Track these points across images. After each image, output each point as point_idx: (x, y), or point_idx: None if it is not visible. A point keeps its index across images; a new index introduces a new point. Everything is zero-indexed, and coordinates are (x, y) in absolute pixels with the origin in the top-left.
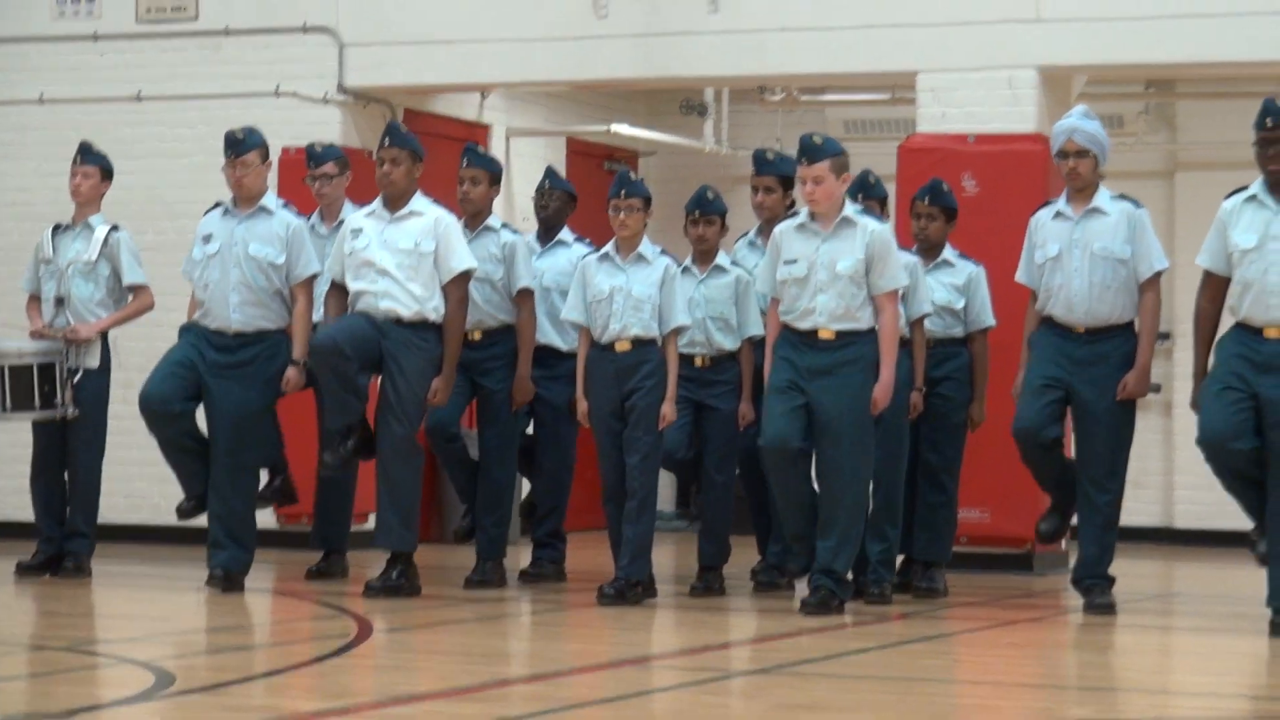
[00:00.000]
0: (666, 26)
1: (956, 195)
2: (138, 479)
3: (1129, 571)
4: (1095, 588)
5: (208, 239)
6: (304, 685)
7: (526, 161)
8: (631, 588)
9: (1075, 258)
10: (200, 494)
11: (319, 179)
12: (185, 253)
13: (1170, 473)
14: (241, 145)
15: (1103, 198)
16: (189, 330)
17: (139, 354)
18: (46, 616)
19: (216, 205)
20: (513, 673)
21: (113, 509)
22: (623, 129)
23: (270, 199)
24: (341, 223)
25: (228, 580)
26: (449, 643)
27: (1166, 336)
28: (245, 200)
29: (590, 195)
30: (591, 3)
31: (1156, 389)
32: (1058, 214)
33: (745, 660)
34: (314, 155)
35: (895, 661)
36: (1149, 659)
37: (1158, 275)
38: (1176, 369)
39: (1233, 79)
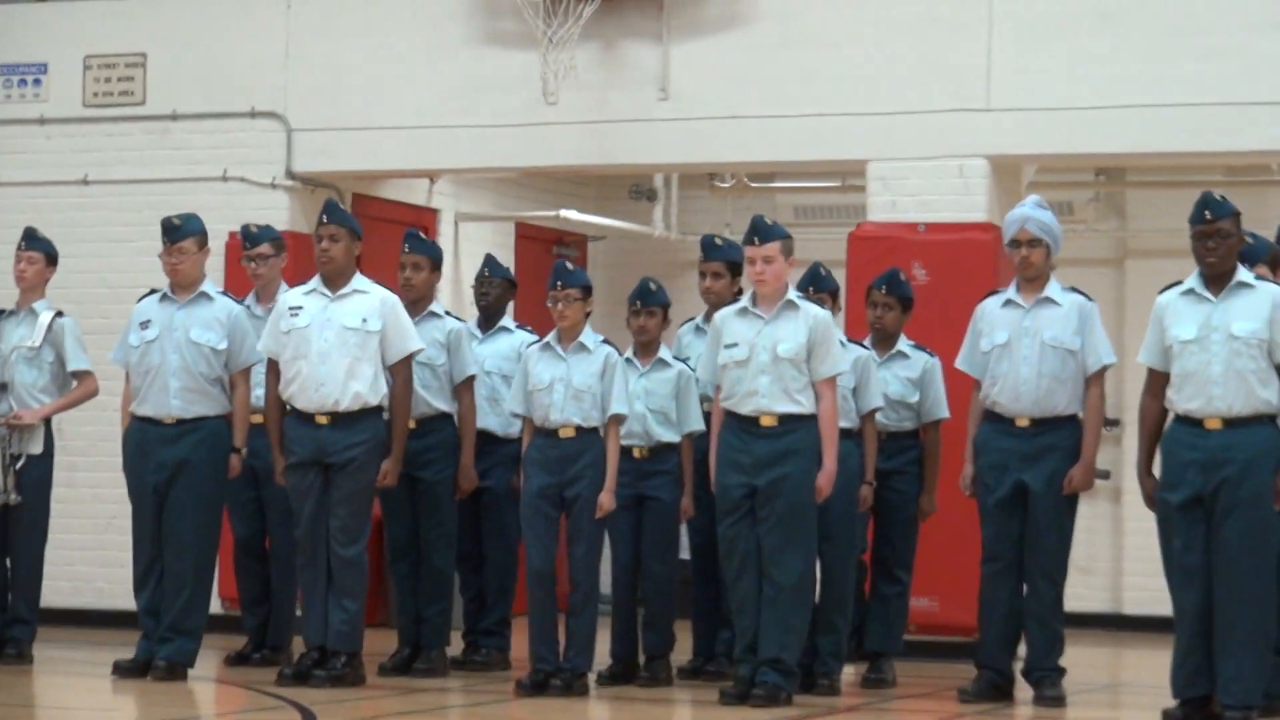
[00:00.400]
0: (616, 114)
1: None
2: (80, 563)
3: (1079, 660)
4: (1045, 680)
5: (145, 325)
6: None
7: (475, 246)
8: (578, 679)
9: (1025, 346)
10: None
11: (254, 260)
12: None
13: (1119, 559)
14: (177, 232)
15: (1054, 288)
16: (128, 440)
17: (83, 437)
18: None
19: (152, 291)
20: None
21: (56, 592)
22: (571, 215)
23: (209, 285)
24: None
25: (170, 672)
26: None
27: (1115, 423)
28: (182, 287)
29: (538, 281)
30: (541, 89)
31: (1105, 475)
32: (1007, 302)
33: None
34: (249, 236)
35: None
36: None
37: (1104, 369)
38: (1125, 456)
39: (1182, 168)
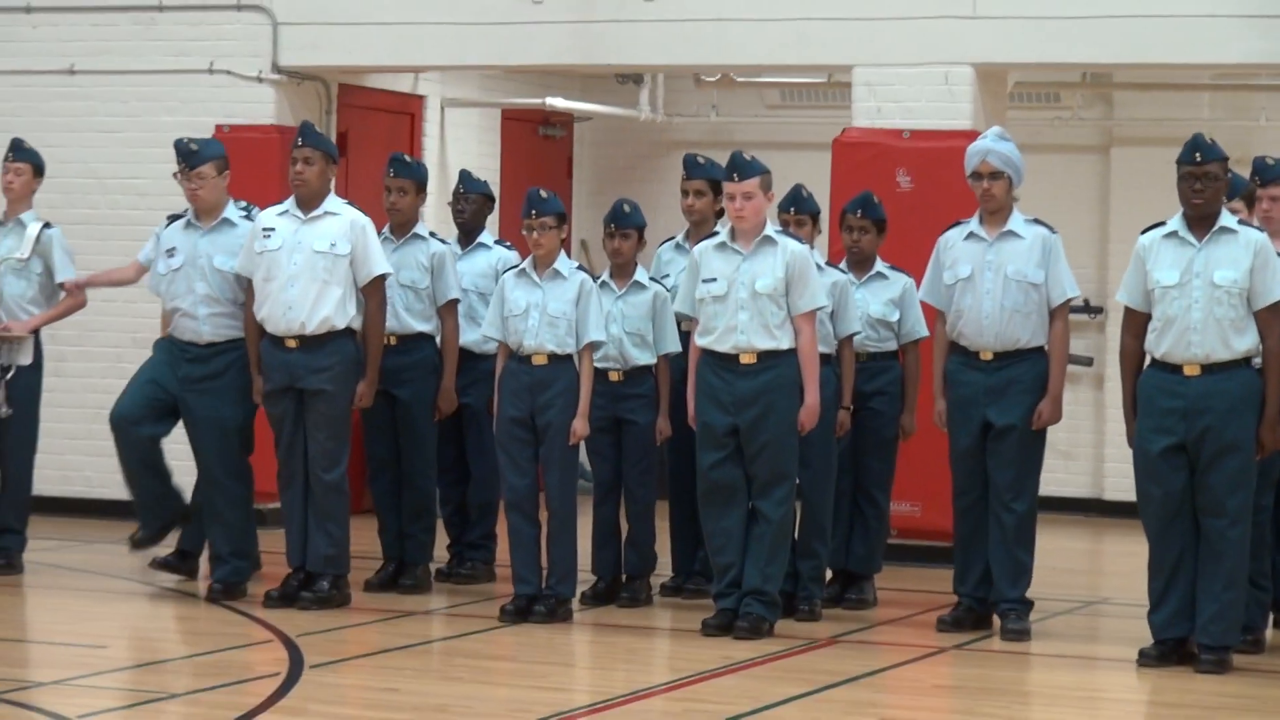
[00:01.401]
0: (602, 13)
1: (891, 190)
2: (69, 452)
3: (1059, 553)
4: (1011, 613)
5: (171, 253)
6: None
7: (461, 131)
8: (561, 605)
9: (988, 279)
10: (157, 527)
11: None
12: (117, 227)
13: (1101, 445)
14: (195, 157)
15: (1017, 221)
16: (161, 345)
17: (72, 326)
18: None
19: (177, 217)
20: None
21: (46, 481)
22: (558, 102)
23: (231, 210)
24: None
25: (227, 593)
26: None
27: (1100, 310)
28: (205, 213)
29: (525, 161)
30: None
31: (1089, 362)
32: (970, 234)
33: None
34: (188, 155)
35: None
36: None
37: (1068, 302)
38: (1108, 343)
39: (1169, 69)
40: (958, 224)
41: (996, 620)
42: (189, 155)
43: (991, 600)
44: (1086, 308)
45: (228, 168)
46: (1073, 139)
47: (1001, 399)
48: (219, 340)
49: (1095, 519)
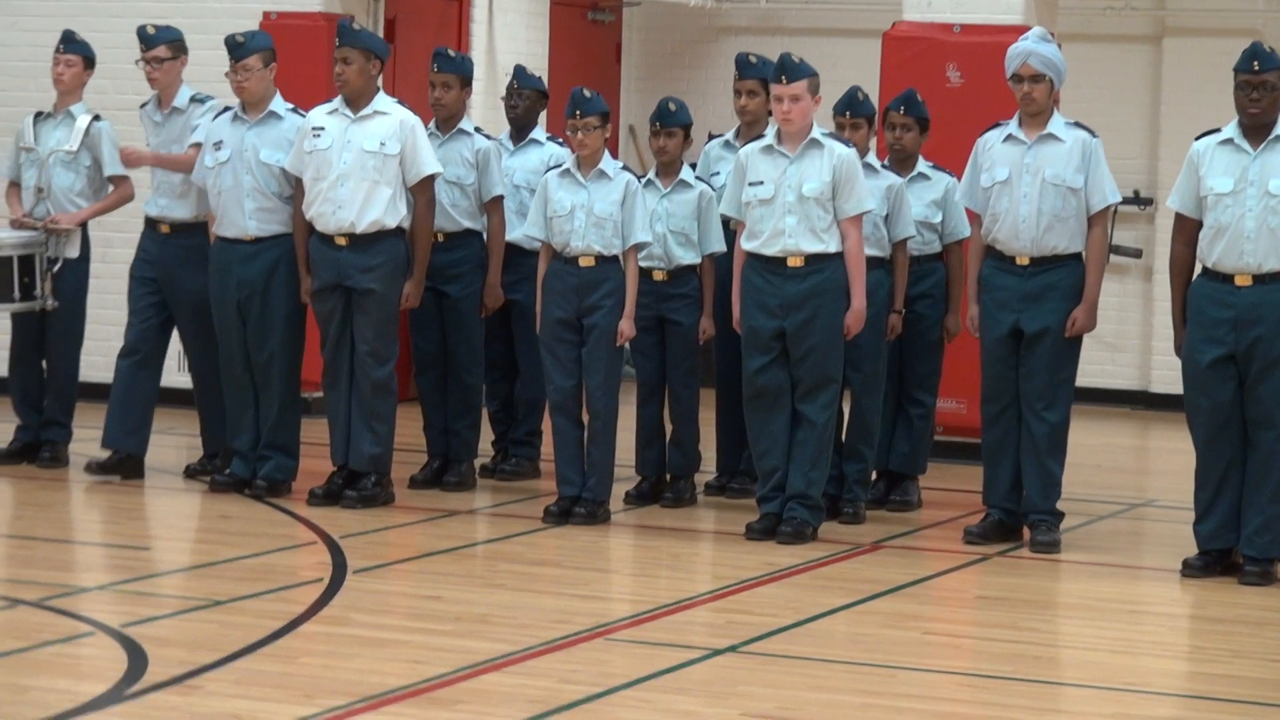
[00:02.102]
0: None
1: (940, 86)
2: (116, 339)
3: (1105, 445)
4: (1041, 524)
5: (219, 145)
6: (280, 677)
7: (509, 16)
8: (599, 507)
9: (1025, 183)
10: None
11: (149, 63)
12: None
13: (1149, 337)
14: (241, 49)
15: (1057, 124)
16: (212, 264)
17: (119, 212)
18: (20, 552)
19: (226, 109)
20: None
21: (92, 368)
22: None
23: (278, 103)
24: (175, 110)
25: (272, 490)
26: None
27: (1150, 201)
28: (252, 106)
29: (573, 47)
30: None
31: (1138, 254)
32: (1009, 137)
33: (705, 634)
34: (145, 37)
35: (864, 634)
36: (1099, 630)
37: (1108, 209)
38: (1158, 234)
39: None
40: (997, 125)
41: (1027, 531)
42: (235, 48)
43: (1022, 511)
44: (1136, 199)
45: (274, 60)
46: (1125, 29)
47: (1036, 305)
48: (265, 235)
49: (1142, 412)
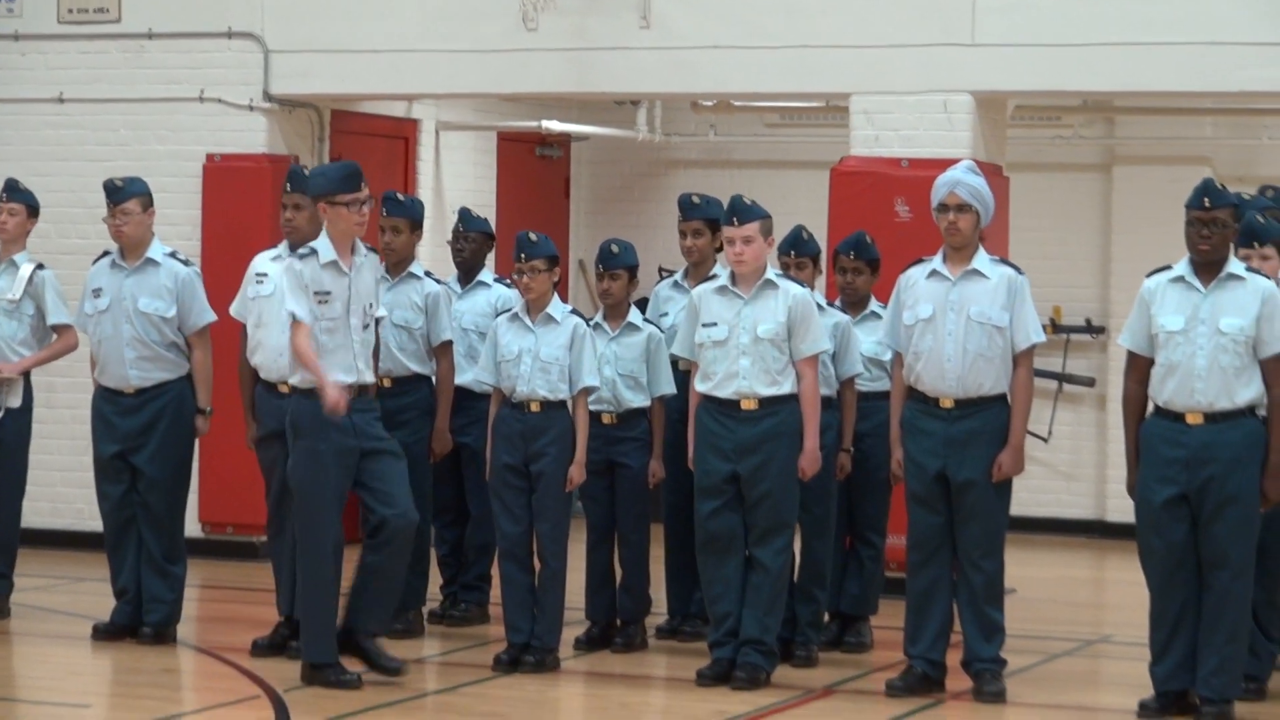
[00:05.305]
0: (596, 41)
1: (889, 220)
2: (60, 484)
3: (1061, 579)
4: (984, 673)
5: (98, 293)
6: None
7: (457, 154)
8: (549, 654)
9: (950, 321)
10: None
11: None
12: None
13: (1104, 466)
14: (120, 193)
15: (982, 260)
16: (94, 414)
17: (59, 371)
18: None
19: (105, 255)
20: None
21: (35, 514)
22: (554, 125)
23: (156, 249)
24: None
25: (158, 638)
26: None
27: (1102, 330)
28: (130, 251)
29: (521, 183)
30: (521, 15)
31: (1090, 383)
32: (933, 273)
33: None
34: (113, 191)
35: None
36: None
37: (1033, 348)
38: (1111, 363)
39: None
40: (920, 261)
41: (962, 680)
42: (113, 191)
43: (963, 660)
44: (1089, 327)
45: (152, 205)
46: (1074, 158)
47: (962, 452)
48: (147, 385)
49: (1098, 540)
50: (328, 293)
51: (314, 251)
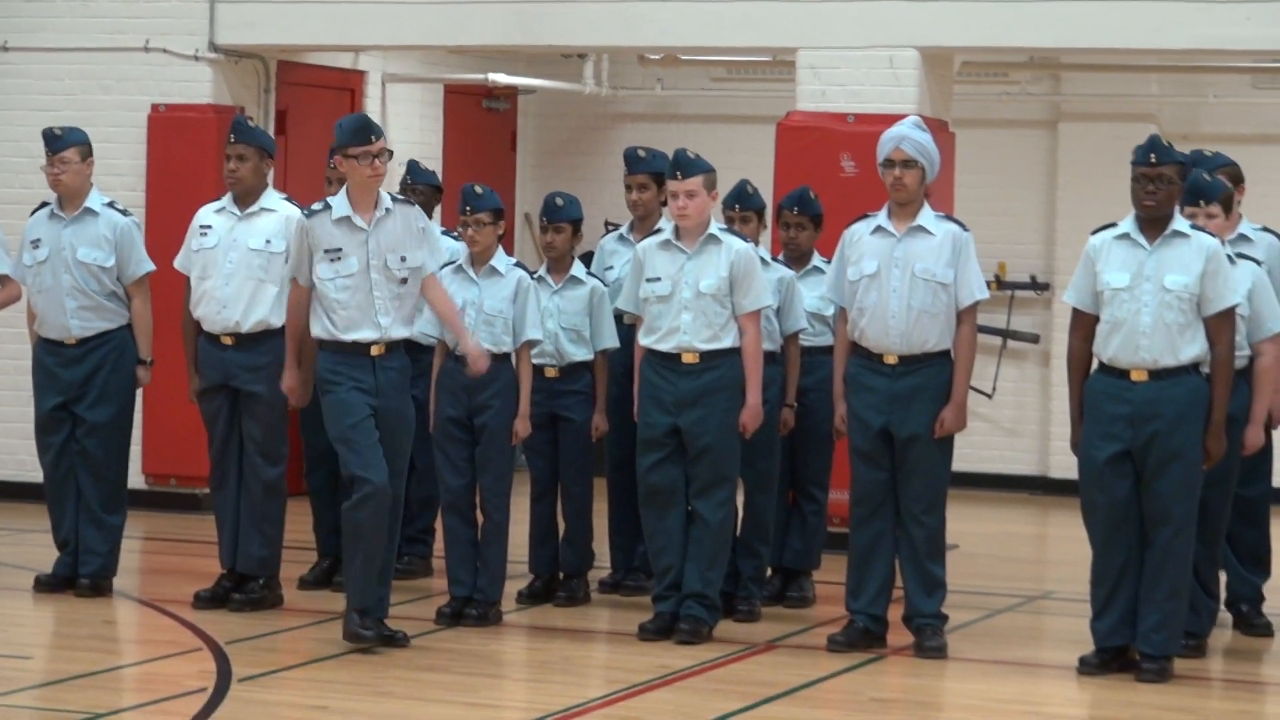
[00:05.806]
0: None
1: (834, 176)
2: (2, 435)
3: (1004, 535)
4: (925, 628)
5: (36, 244)
6: None
7: (403, 106)
8: (491, 608)
9: (894, 277)
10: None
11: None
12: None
13: (1047, 423)
14: (59, 142)
15: (928, 216)
16: (35, 366)
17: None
18: None
19: (43, 205)
20: None
21: None
22: (500, 78)
23: (95, 199)
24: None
25: (96, 589)
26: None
27: (1046, 286)
28: (68, 201)
29: (468, 136)
30: None
31: (1035, 339)
32: (878, 229)
33: None
34: (50, 139)
35: None
36: None
37: (977, 304)
38: (1055, 320)
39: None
40: (865, 217)
41: (903, 635)
42: (52, 140)
43: (905, 615)
44: (1034, 284)
45: (91, 155)
46: (1021, 114)
47: (906, 408)
48: (88, 335)
49: (1040, 497)
50: (339, 249)
51: (328, 207)
